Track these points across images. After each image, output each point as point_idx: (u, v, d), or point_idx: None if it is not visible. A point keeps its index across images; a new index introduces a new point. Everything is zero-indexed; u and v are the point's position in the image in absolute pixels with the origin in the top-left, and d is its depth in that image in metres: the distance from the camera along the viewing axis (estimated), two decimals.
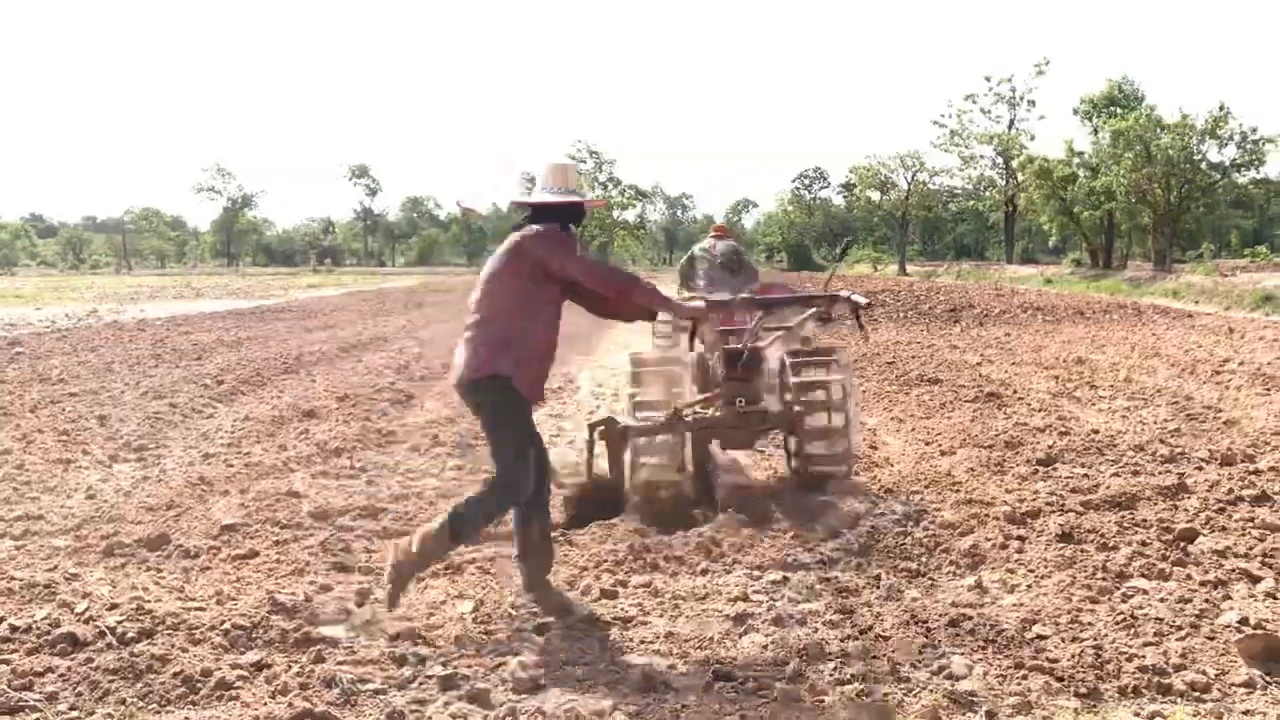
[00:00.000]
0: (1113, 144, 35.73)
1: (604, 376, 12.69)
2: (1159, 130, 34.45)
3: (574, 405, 10.04)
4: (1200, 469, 6.89)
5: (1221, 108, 33.69)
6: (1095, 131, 39.40)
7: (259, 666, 3.62)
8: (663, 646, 3.86)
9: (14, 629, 3.85)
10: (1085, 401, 10.29)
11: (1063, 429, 8.34)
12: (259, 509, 5.74)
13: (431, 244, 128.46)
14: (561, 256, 4.28)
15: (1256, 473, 6.69)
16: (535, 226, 4.38)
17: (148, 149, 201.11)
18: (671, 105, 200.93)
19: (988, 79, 56.14)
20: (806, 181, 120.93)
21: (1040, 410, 9.46)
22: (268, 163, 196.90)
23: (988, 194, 54.53)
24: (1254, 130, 33.80)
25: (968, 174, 57.52)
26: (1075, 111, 41.11)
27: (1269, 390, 10.92)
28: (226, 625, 3.91)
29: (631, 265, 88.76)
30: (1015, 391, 10.62)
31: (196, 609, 4.15)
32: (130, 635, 3.82)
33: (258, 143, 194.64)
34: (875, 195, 66.12)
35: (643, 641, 3.90)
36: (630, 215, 73.11)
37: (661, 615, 4.19)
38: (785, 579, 4.63)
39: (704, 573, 4.80)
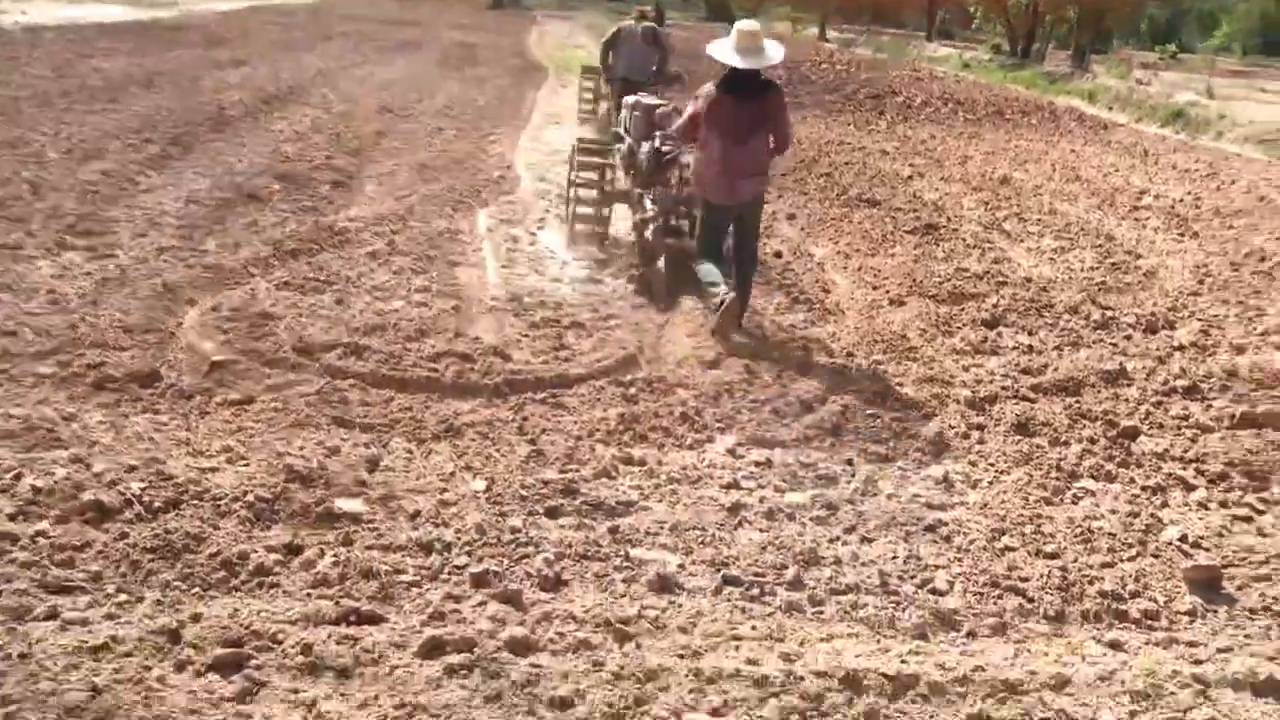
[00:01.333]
0: None
1: (540, 161, 12.49)
2: None
3: (521, 209, 9.93)
4: (1129, 337, 7.37)
5: None
6: None
7: (291, 549, 3.76)
8: (668, 540, 4.12)
9: (37, 490, 3.89)
10: (1015, 237, 10.67)
11: (1000, 277, 8.69)
12: (238, 337, 5.71)
13: None
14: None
15: (1180, 349, 7.21)
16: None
17: None
18: None
19: None
20: None
21: (976, 248, 9.79)
22: None
23: None
24: None
25: None
26: None
27: (1182, 236, 11.44)
28: (250, 496, 4.01)
29: None
30: (950, 221, 10.89)
31: (211, 470, 4.23)
32: (157, 505, 3.90)
33: None
34: None
35: (648, 533, 4.15)
36: None
37: (660, 501, 4.43)
38: (769, 461, 4.91)
39: (690, 447, 5.04)
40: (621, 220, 8.78)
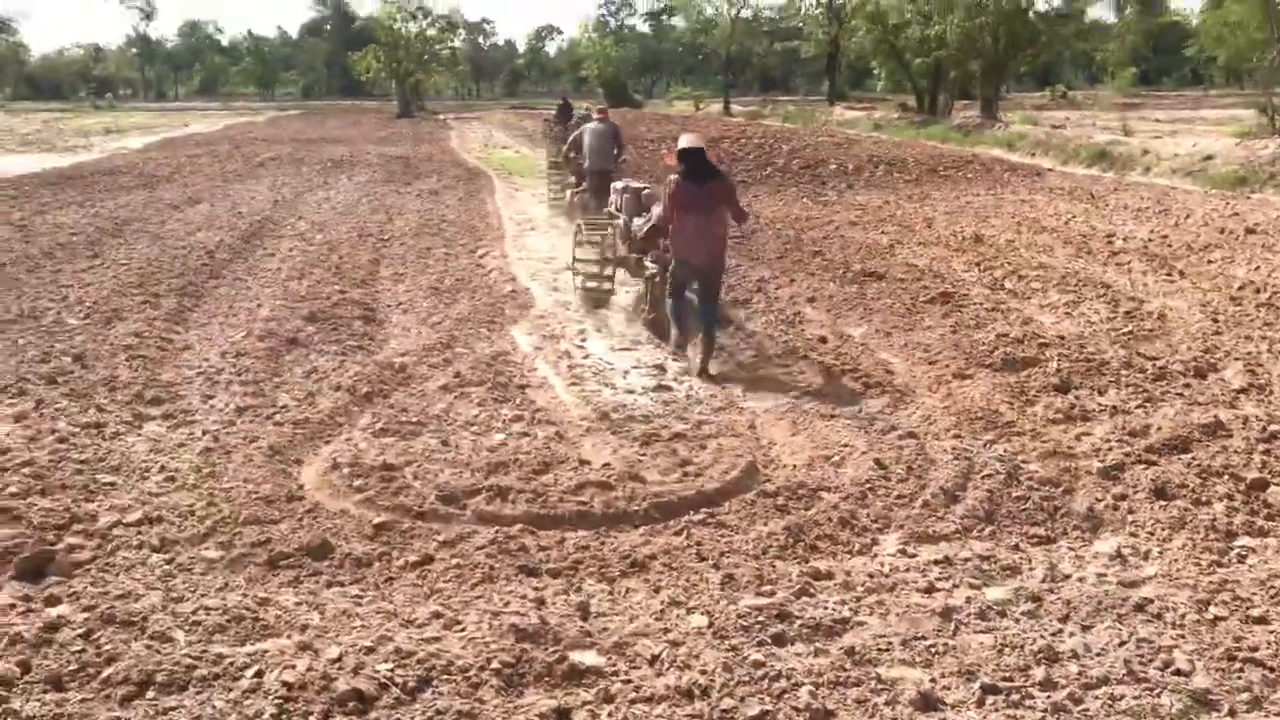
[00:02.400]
0: None
1: (540, 271, 12.61)
2: None
3: (554, 323, 10.01)
4: (1189, 386, 7.67)
5: None
6: None
7: (562, 714, 3.72)
8: (903, 654, 4.15)
9: (289, 686, 3.79)
10: (1022, 295, 11.03)
11: (1038, 339, 8.97)
12: (376, 493, 5.64)
13: (218, 74, 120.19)
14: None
15: (1241, 391, 7.52)
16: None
17: None
18: None
19: None
20: (613, 8, 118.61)
21: (995, 311, 10.10)
22: None
23: (812, 37, 54.88)
24: None
25: (799, 9, 57.64)
26: None
27: (1170, 276, 11.94)
28: (494, 664, 3.96)
29: (435, 97, 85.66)
30: (955, 286, 11.21)
31: (435, 639, 4.16)
32: (411, 685, 3.83)
33: None
34: (696, 30, 65.50)
35: (881, 649, 4.17)
36: (444, 49, 69.87)
37: (871, 614, 4.47)
38: (947, 559, 4.98)
39: (861, 552, 5.10)
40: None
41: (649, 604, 4.54)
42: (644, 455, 6.34)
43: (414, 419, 7.00)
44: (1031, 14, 36.06)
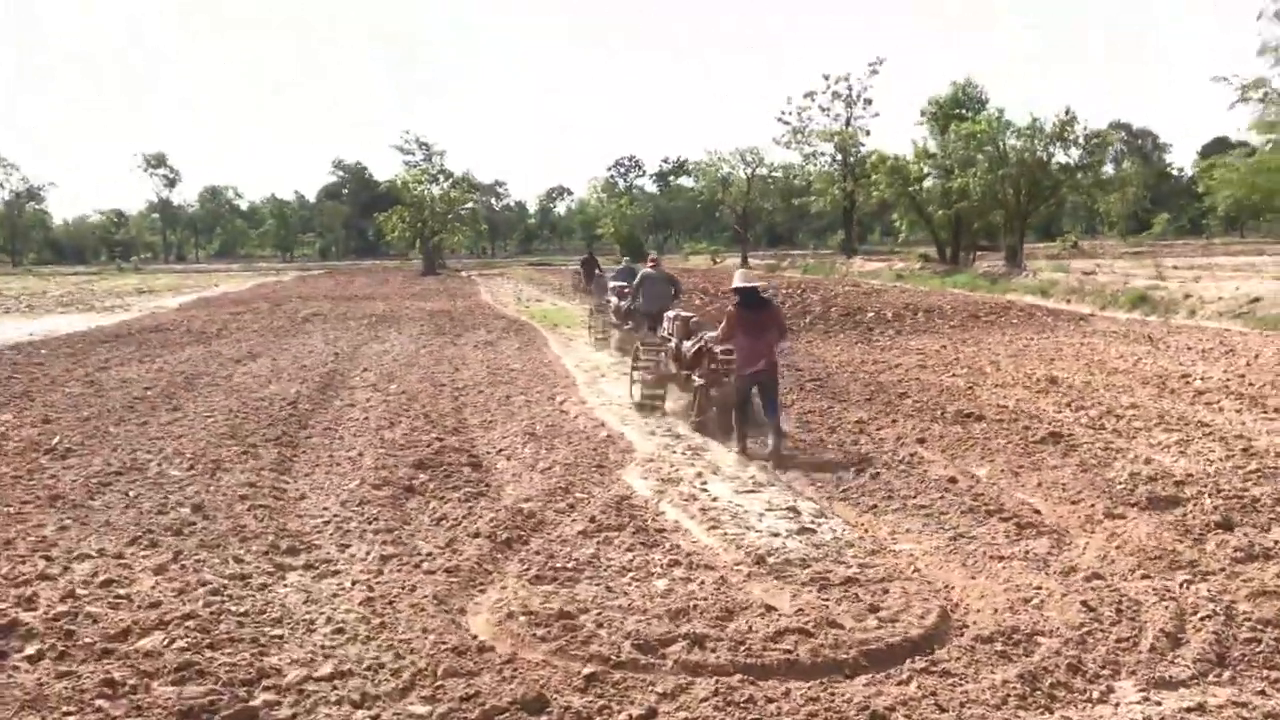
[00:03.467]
0: (965, 146, 37.54)
1: (629, 417, 12.47)
2: (1009, 133, 36.43)
3: (666, 467, 9.82)
4: None
5: (1068, 112, 36.03)
6: (944, 132, 41.30)
7: None
8: None
9: None
10: (1127, 435, 10.82)
11: (1168, 475, 8.74)
12: (566, 642, 5.34)
13: (237, 237, 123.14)
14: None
15: None
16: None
17: None
18: (475, 90, 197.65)
19: (826, 77, 58.17)
20: (623, 170, 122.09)
21: (1108, 450, 9.89)
22: (52, 152, 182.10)
23: (829, 191, 56.18)
24: (1097, 135, 36.22)
25: (808, 170, 59.23)
26: (923, 114, 43.08)
27: (1266, 413, 11.77)
28: None
29: (453, 255, 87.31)
30: (1056, 426, 11.02)
31: None
32: None
33: (42, 131, 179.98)
34: (713, 188, 67.26)
35: None
36: (464, 209, 71.58)
37: None
38: (1200, 707, 4.66)
39: (1103, 700, 4.80)
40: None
41: None
42: (827, 601, 6.05)
43: (566, 565, 6.73)
44: (1054, 165, 36.90)
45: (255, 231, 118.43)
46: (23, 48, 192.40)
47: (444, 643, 5.34)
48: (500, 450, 10.44)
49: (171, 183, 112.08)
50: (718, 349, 11.06)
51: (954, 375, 15.37)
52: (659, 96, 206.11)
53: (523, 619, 5.68)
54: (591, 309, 22.91)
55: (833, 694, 4.79)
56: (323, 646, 5.35)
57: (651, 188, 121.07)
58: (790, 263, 58.41)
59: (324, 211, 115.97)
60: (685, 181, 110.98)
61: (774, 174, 65.45)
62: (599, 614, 5.77)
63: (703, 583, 6.38)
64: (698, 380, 11.53)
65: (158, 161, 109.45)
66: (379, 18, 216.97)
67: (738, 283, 10.71)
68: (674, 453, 10.40)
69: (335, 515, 7.96)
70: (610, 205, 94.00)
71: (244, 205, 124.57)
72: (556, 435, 11.10)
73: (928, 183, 39.56)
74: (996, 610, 5.81)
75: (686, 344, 12.10)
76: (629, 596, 6.12)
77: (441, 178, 70.73)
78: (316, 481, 9.15)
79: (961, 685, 4.89)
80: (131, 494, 8.53)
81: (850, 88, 57.52)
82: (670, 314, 13.47)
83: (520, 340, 21.35)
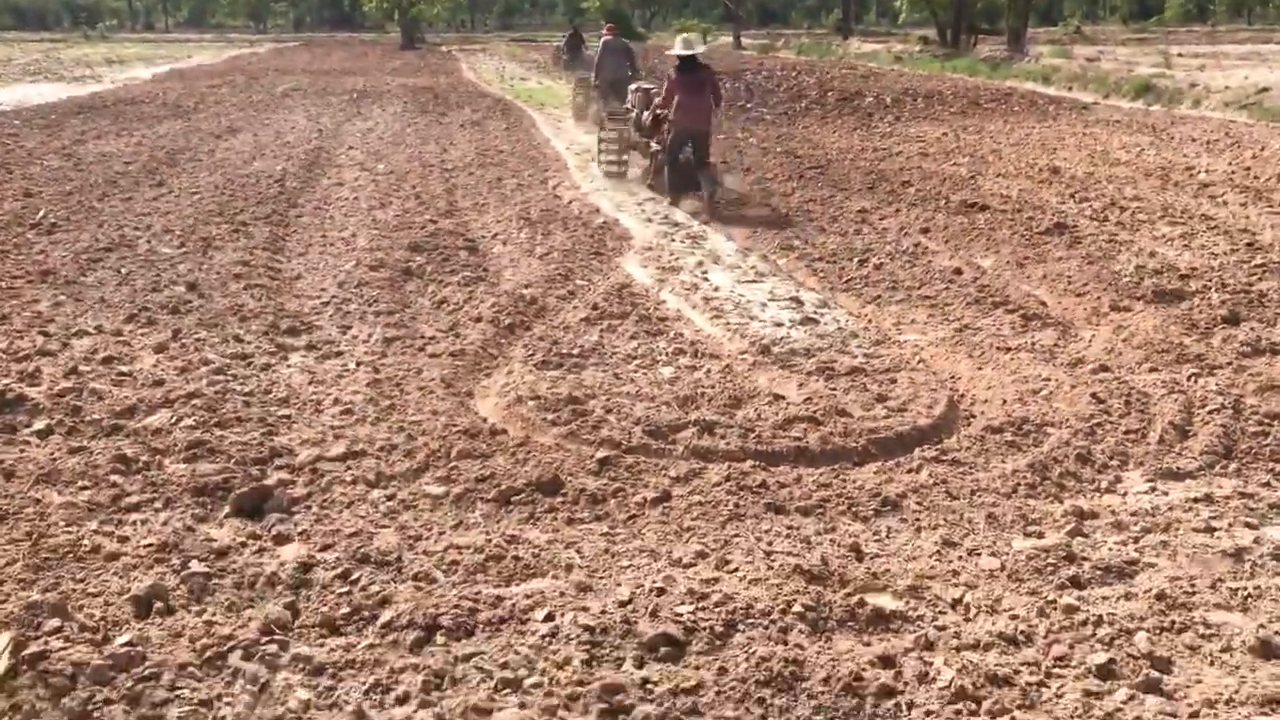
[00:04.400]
0: None
1: (625, 203, 12.23)
2: None
3: (665, 256, 9.67)
4: None
5: None
6: None
7: (888, 662, 3.46)
8: (1216, 597, 3.89)
9: (590, 630, 3.51)
10: (1130, 228, 10.69)
11: (1172, 269, 8.66)
12: (577, 426, 5.33)
13: (206, 5, 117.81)
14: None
15: None
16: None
17: None
18: None
19: None
20: None
21: (1113, 243, 9.79)
22: None
23: None
24: None
25: None
26: None
27: (1271, 205, 11.64)
28: (796, 607, 3.68)
29: (430, 29, 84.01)
30: (1061, 218, 10.86)
31: (714, 580, 3.88)
32: (718, 628, 3.57)
33: None
34: None
35: (1191, 592, 3.92)
36: None
37: (1159, 556, 4.20)
38: (1208, 497, 4.73)
39: (1109, 490, 4.86)
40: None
41: (920, 544, 4.26)
42: (834, 390, 6.04)
43: (571, 352, 6.68)
44: None
45: (225, 1, 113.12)
46: None
47: (455, 425, 5.33)
48: (495, 235, 10.24)
49: None
50: (664, 112, 12.09)
51: (955, 164, 15.06)
52: None
53: (531, 404, 5.66)
54: (574, 84, 21.96)
55: (844, 480, 4.82)
56: (332, 427, 5.33)
57: None
58: (785, 42, 56.51)
59: None
60: None
61: None
62: (607, 400, 5.75)
63: (709, 371, 6.36)
64: (654, 146, 12.69)
65: None
66: None
67: (677, 50, 12.04)
68: (673, 240, 10.24)
69: (334, 296, 7.85)
70: None
71: None
72: (551, 220, 10.88)
73: None
74: (1005, 401, 5.83)
75: (645, 114, 13.06)
76: (636, 383, 6.10)
77: None
78: (311, 261, 8.99)
79: (971, 474, 4.93)
80: (123, 271, 8.37)
81: None
82: (633, 86, 14.51)
83: (507, 121, 20.74)
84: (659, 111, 12.33)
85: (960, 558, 4.15)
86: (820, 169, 14.32)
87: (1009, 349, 6.78)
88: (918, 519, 4.51)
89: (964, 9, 38.86)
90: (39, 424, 5.21)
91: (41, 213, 10.47)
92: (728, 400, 5.79)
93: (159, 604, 3.64)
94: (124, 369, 6.06)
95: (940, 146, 17.01)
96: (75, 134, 17.52)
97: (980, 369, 6.45)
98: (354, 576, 3.88)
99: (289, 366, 6.31)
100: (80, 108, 22.50)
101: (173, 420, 5.27)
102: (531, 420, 5.46)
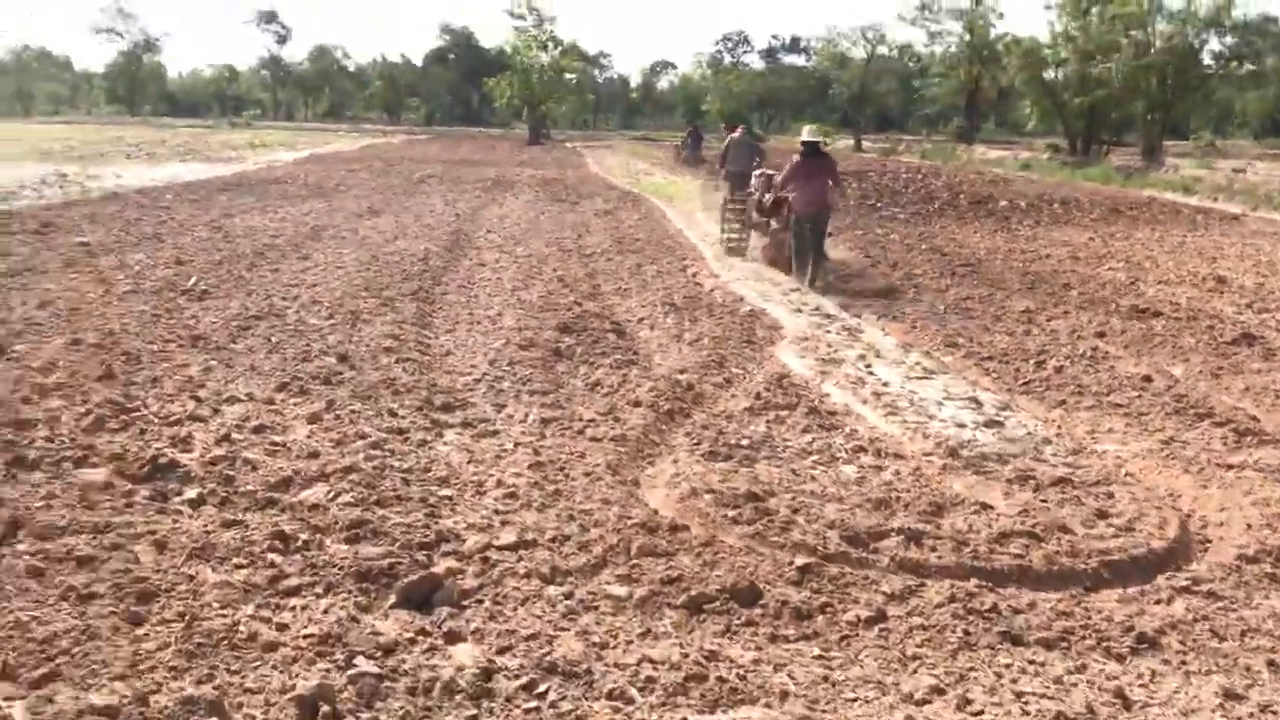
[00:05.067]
0: (1110, 29, 35.05)
1: (767, 292, 11.81)
2: (1159, 16, 33.88)
3: (822, 347, 9.18)
4: None
5: None
6: (1083, 15, 38.60)
7: None
8: None
9: None
10: None
11: None
12: (763, 527, 4.81)
13: (345, 98, 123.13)
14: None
15: None
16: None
17: None
18: None
19: None
20: (730, 45, 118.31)
21: None
22: (168, 4, 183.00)
23: (953, 74, 53.48)
24: (1260, 18, 33.45)
25: (932, 50, 56.40)
26: None
27: None
28: None
29: (554, 126, 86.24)
30: (1245, 328, 10.08)
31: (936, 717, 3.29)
32: None
33: None
34: (828, 66, 64.67)
35: None
36: (572, 78, 70.16)
37: None
38: None
39: None
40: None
41: (1195, 694, 3.60)
42: (1045, 502, 5.41)
43: (739, 443, 6.18)
44: (1205, 53, 34.35)
45: (363, 93, 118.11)
46: None
47: (629, 517, 4.84)
48: (640, 319, 9.88)
49: (282, 39, 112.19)
50: (785, 194, 12.93)
51: (1111, 269, 14.36)
52: None
53: (707, 497, 5.16)
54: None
55: (1086, 609, 4.18)
56: (497, 511, 4.90)
57: (758, 64, 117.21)
58: (906, 147, 56.24)
59: (430, 76, 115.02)
60: (794, 59, 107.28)
61: (893, 52, 62.36)
62: (791, 499, 5.22)
63: (897, 472, 5.79)
64: (774, 225, 13.83)
65: (269, 17, 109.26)
66: None
67: (804, 136, 12.83)
68: (827, 332, 9.74)
69: (485, 373, 7.51)
70: (715, 81, 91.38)
71: (351, 66, 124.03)
72: (696, 307, 10.49)
73: (1067, 68, 37.12)
74: (1250, 526, 5.12)
75: (767, 196, 13.98)
76: (818, 481, 5.56)
77: (551, 45, 69.12)
78: (459, 339, 8.72)
79: (1235, 610, 4.24)
80: (273, 339, 8.20)
81: None
82: (756, 173, 15.27)
83: (638, 212, 20.63)
84: (780, 194, 13.17)
85: (1251, 715, 3.48)
86: (971, 267, 13.76)
87: (1229, 465, 6.06)
88: (1183, 662, 3.84)
89: (1096, 118, 38.05)
90: (191, 492, 4.89)
91: (193, 280, 10.47)
92: (928, 507, 5.20)
93: (325, 707, 3.20)
94: (277, 438, 5.76)
95: (1090, 251, 16.30)
96: (223, 209, 17.91)
97: (1205, 487, 5.74)
98: (541, 689, 3.39)
99: (445, 444, 5.94)
100: (227, 185, 23.19)
101: (330, 495, 4.91)
102: (711, 516, 4.95)
